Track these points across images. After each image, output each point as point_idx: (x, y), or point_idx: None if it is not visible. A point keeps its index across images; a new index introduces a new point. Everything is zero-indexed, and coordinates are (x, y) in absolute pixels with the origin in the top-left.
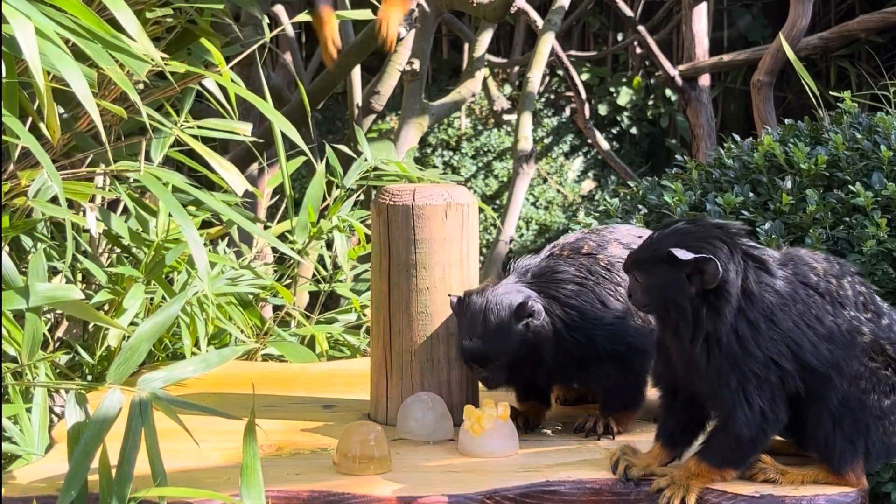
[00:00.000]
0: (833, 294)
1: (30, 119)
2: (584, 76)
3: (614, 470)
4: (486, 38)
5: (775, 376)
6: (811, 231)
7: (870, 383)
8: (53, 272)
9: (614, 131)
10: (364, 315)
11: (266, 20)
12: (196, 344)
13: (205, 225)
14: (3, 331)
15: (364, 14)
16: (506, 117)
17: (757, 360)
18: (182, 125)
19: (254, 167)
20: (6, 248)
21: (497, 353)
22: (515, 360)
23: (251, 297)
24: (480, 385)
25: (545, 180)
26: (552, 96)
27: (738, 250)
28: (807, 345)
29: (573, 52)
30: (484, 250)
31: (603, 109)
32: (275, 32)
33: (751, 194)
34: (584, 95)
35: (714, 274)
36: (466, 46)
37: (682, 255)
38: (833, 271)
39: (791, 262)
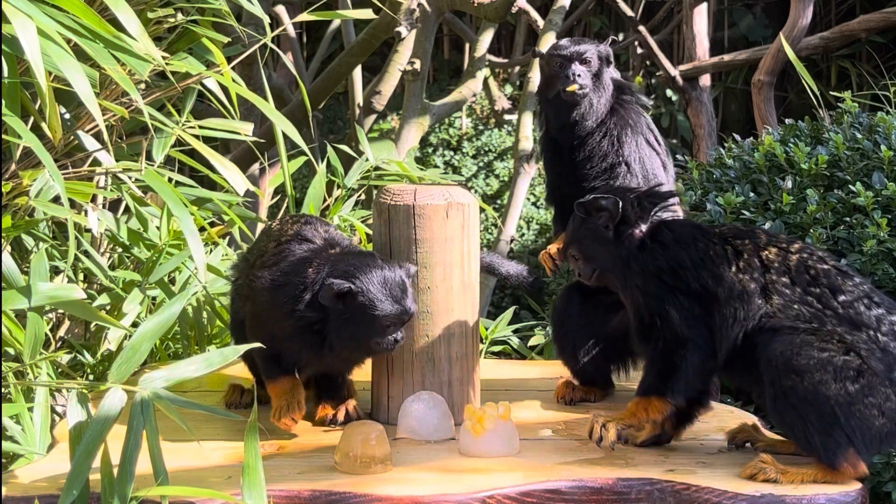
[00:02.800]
0: (755, 255)
1: (31, 119)
2: None
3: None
4: (487, 37)
5: (683, 298)
6: (812, 231)
7: (826, 374)
8: (55, 272)
9: None
10: None
11: (267, 20)
12: (197, 343)
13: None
14: (5, 330)
15: (364, 14)
16: (507, 117)
17: (641, 265)
18: (183, 125)
19: (255, 167)
20: (7, 248)
21: None
22: None
23: None
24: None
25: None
26: None
27: (636, 198)
28: (689, 265)
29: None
30: (485, 250)
31: None
32: (276, 32)
33: (751, 194)
34: None
35: (615, 203)
36: (467, 46)
37: (584, 199)
38: (780, 244)
39: (731, 227)
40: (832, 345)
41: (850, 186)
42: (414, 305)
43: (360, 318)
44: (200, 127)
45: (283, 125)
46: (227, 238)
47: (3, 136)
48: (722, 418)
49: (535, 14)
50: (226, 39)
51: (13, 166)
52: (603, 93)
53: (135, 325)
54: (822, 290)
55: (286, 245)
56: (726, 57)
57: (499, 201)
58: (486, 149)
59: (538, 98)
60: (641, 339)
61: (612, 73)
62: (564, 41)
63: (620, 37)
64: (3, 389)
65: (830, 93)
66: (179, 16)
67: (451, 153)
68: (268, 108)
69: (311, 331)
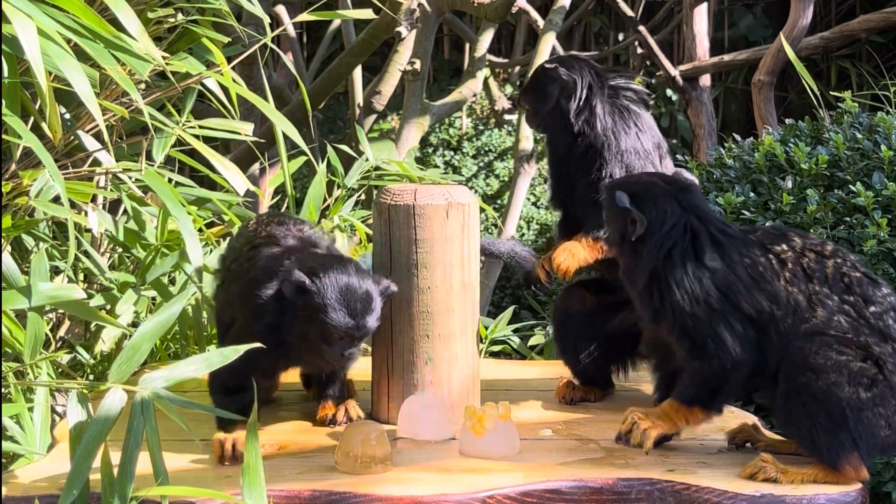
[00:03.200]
0: (797, 263)
1: (31, 118)
2: None
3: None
4: (487, 37)
5: (736, 323)
6: (812, 231)
7: (841, 376)
8: (55, 272)
9: None
10: None
11: (267, 20)
12: (196, 343)
13: (207, 227)
14: (5, 330)
15: (364, 14)
16: (507, 117)
17: (686, 291)
18: (184, 125)
19: (255, 167)
20: (8, 248)
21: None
22: None
23: None
24: (482, 385)
25: (546, 180)
26: None
27: (681, 210)
28: (741, 289)
29: (574, 52)
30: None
31: None
32: (276, 32)
33: (752, 194)
34: None
35: (642, 222)
36: (468, 46)
37: (621, 199)
38: (815, 248)
39: (764, 231)
40: (851, 350)
41: (851, 186)
42: (372, 323)
43: (311, 320)
44: (201, 127)
45: (283, 125)
46: (228, 239)
47: (3, 136)
48: (722, 418)
49: (535, 14)
50: (226, 39)
51: (13, 166)
52: (562, 116)
53: (134, 324)
54: (855, 299)
55: (258, 249)
56: (726, 57)
57: (499, 201)
58: (487, 149)
59: None
60: (693, 357)
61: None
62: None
63: (621, 37)
64: (3, 389)
65: (830, 93)
66: (179, 16)
67: (452, 153)
68: (268, 108)
69: (271, 330)
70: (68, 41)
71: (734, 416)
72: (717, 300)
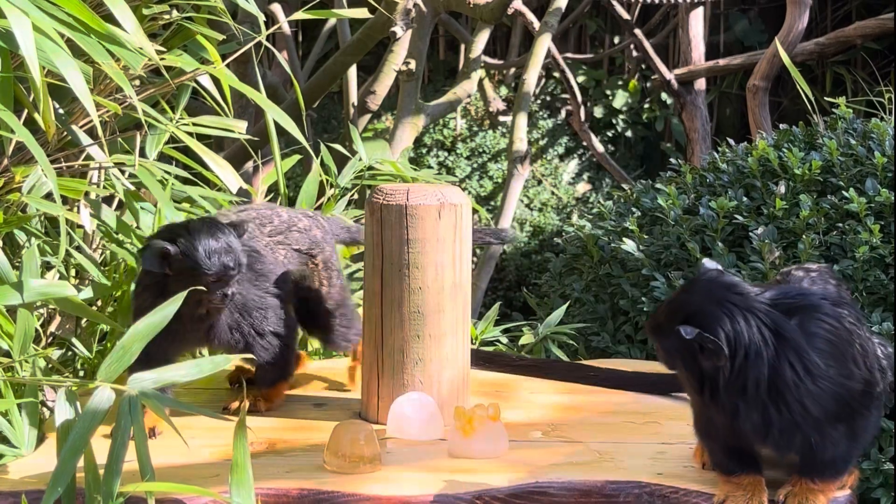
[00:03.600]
0: (869, 341)
1: (23, 113)
2: (580, 79)
3: None
4: (482, 39)
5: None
6: (804, 236)
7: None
8: (46, 267)
9: (609, 134)
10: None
11: (263, 18)
12: None
13: None
14: None
15: (360, 13)
16: (501, 118)
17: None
18: (177, 122)
19: (248, 165)
20: None
21: None
22: None
23: None
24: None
25: (540, 182)
26: (548, 98)
27: (757, 320)
28: (856, 390)
29: (569, 55)
30: (477, 251)
31: (598, 112)
32: (271, 30)
33: (744, 199)
34: (580, 98)
35: (718, 355)
36: (463, 47)
37: (687, 332)
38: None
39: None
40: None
41: (844, 192)
42: (240, 258)
43: (184, 276)
44: (194, 124)
45: (277, 116)
46: None
47: None
48: None
49: (531, 16)
50: (221, 37)
51: (6, 161)
52: None
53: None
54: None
55: None
56: (721, 61)
57: (492, 203)
58: (481, 150)
59: None
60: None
61: None
62: None
63: (616, 40)
64: None
65: (825, 98)
66: (175, 12)
67: (446, 154)
68: (261, 98)
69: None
70: (62, 35)
71: None
72: (831, 403)
